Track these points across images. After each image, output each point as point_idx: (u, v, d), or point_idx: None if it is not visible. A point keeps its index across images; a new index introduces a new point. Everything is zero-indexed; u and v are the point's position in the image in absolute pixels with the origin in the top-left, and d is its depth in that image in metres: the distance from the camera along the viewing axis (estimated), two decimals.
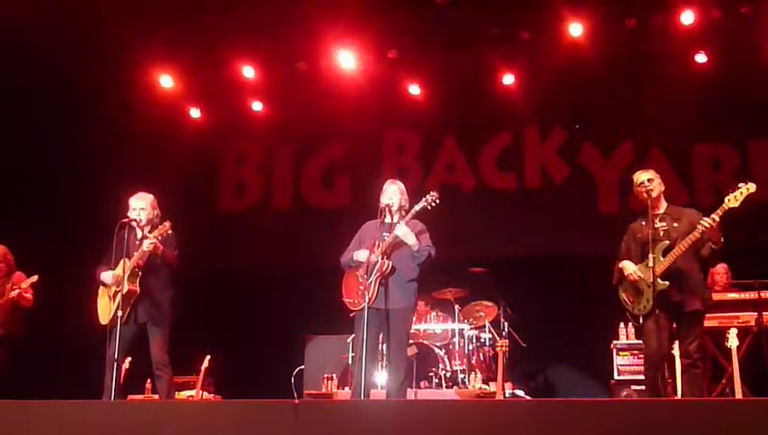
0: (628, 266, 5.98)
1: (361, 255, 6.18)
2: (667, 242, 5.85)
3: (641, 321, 5.97)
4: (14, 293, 7.38)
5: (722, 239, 5.77)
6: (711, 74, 9.27)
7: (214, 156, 11.21)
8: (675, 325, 5.94)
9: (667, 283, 5.76)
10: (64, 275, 9.06)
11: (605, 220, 9.52)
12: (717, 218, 5.64)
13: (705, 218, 5.67)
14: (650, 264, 5.76)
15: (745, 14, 8.79)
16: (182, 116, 10.67)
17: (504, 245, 9.81)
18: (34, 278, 7.47)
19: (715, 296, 7.47)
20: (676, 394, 6.13)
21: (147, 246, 6.17)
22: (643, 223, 6.08)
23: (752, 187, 5.65)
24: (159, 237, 6.21)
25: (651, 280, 5.76)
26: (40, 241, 9.22)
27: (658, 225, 5.94)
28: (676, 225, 5.95)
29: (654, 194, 6.01)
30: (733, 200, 5.65)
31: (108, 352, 6.08)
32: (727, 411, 4.13)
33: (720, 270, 7.88)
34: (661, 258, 5.82)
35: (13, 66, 9.06)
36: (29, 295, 7.51)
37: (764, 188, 8.58)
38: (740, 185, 5.69)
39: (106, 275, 6.39)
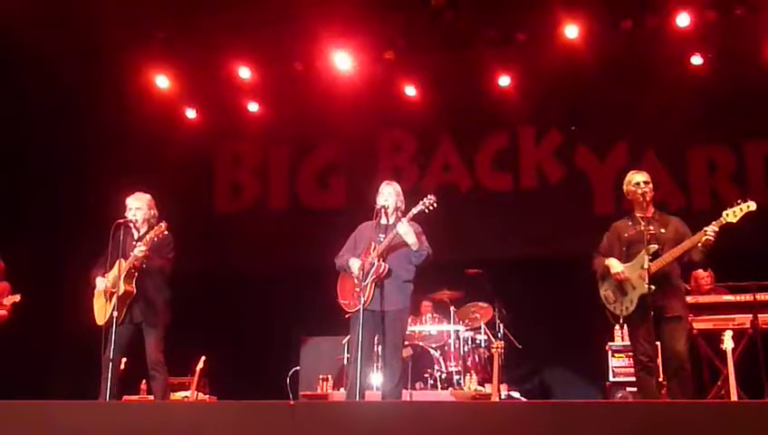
0: (616, 265, 5.95)
1: (355, 265, 6.18)
2: (656, 246, 5.82)
3: (621, 322, 5.99)
4: None
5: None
6: (706, 76, 9.28)
7: (210, 157, 11.20)
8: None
9: (653, 287, 5.71)
10: (60, 274, 9.04)
11: (600, 221, 9.46)
12: (717, 229, 5.66)
13: (709, 229, 5.67)
14: (645, 265, 5.74)
15: (741, 16, 8.79)
16: (178, 117, 10.66)
17: (499, 246, 9.81)
18: (17, 298, 7.34)
19: (711, 299, 7.49)
20: (669, 397, 6.12)
21: (138, 252, 6.17)
22: (630, 223, 6.08)
23: (752, 205, 5.68)
24: (155, 238, 6.19)
25: (637, 281, 5.77)
26: (37, 241, 9.22)
27: (647, 228, 5.92)
28: (663, 230, 5.94)
29: (648, 197, 6.01)
30: (731, 215, 5.69)
31: (104, 353, 6.06)
32: (723, 414, 4.14)
33: (703, 273, 7.87)
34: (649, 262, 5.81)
35: (11, 67, 9.04)
36: (3, 312, 7.30)
37: (760, 190, 8.62)
38: (739, 201, 5.72)
39: (99, 282, 6.39)
